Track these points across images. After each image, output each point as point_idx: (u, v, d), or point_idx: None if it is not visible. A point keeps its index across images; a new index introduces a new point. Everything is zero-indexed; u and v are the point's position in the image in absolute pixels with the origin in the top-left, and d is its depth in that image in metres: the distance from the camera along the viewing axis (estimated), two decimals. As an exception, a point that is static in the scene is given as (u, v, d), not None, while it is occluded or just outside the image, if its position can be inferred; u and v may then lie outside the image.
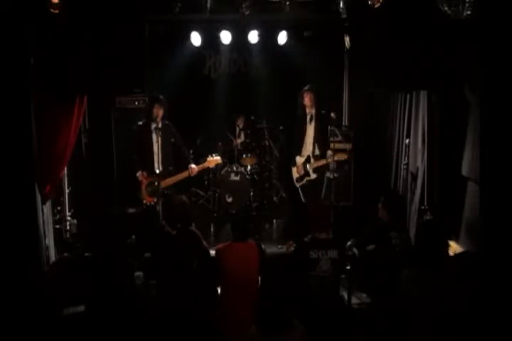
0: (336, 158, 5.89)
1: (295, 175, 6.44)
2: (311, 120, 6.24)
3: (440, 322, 3.09)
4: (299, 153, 6.38)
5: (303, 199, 6.42)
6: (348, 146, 6.92)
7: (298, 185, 6.42)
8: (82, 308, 4.29)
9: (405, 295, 3.23)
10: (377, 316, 3.65)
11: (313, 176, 6.24)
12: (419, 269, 3.25)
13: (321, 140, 6.19)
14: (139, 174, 5.89)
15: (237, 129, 8.23)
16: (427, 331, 3.13)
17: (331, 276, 4.09)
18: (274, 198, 7.99)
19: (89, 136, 6.71)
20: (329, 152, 6.12)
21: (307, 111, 6.25)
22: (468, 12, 4.00)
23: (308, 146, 6.30)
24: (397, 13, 4.86)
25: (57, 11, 4.62)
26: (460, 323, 3.04)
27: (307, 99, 6.21)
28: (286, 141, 7.69)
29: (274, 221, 7.32)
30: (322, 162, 6.17)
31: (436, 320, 3.10)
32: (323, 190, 6.55)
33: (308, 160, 6.26)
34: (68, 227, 5.96)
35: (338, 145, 6.26)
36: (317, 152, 6.23)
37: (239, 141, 8.12)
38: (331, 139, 6.66)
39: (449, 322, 3.08)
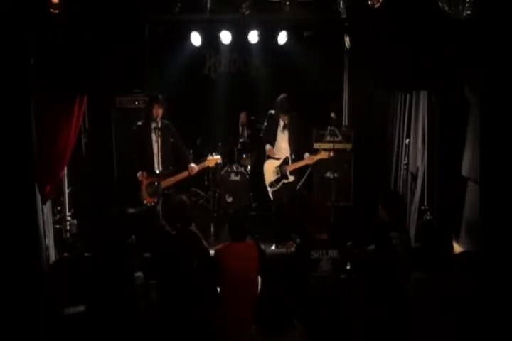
0: (322, 157, 6.04)
1: (269, 179, 6.25)
2: (284, 128, 6.15)
3: (441, 322, 3.09)
4: (269, 158, 6.27)
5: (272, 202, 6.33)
6: (348, 146, 6.95)
7: (271, 189, 6.25)
8: (82, 308, 4.28)
9: (409, 296, 3.24)
10: (379, 316, 3.65)
11: (291, 178, 6.15)
12: (422, 270, 3.25)
13: (296, 144, 6.17)
14: (139, 174, 5.88)
15: (241, 128, 8.23)
16: (429, 331, 3.13)
17: (332, 276, 4.08)
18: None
19: (89, 136, 6.71)
20: (306, 154, 6.17)
21: (280, 117, 6.15)
22: (468, 12, 4.00)
23: (282, 152, 6.20)
24: (397, 13, 4.86)
25: (57, 11, 4.62)
26: (461, 323, 3.04)
27: (282, 108, 6.07)
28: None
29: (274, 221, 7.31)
30: (301, 163, 6.15)
31: (437, 320, 3.10)
32: (317, 191, 6.50)
33: (285, 162, 6.16)
34: (68, 227, 5.96)
35: (338, 145, 6.28)
36: (293, 156, 6.18)
37: (241, 140, 8.12)
38: (331, 139, 6.68)
39: (450, 322, 3.08)
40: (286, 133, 6.16)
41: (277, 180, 6.21)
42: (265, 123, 6.35)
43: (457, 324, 3.06)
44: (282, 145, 6.21)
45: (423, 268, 3.28)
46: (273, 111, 6.24)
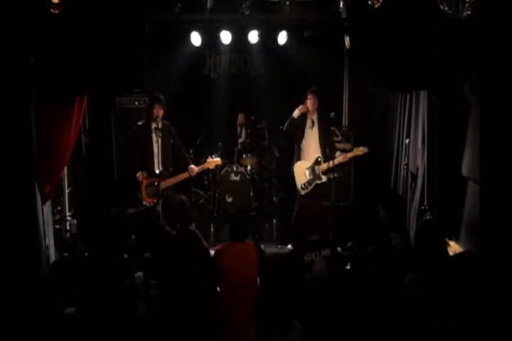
0: (356, 154, 5.81)
1: (301, 181, 6.03)
2: (312, 125, 5.99)
3: (440, 323, 3.09)
4: (298, 159, 6.10)
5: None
6: (348, 146, 6.94)
7: (303, 192, 6.00)
8: (81, 308, 4.28)
9: (407, 297, 3.24)
10: (378, 316, 3.65)
11: (324, 179, 5.95)
12: (419, 270, 3.25)
13: (326, 144, 6.04)
14: (138, 174, 5.88)
15: (239, 128, 8.24)
16: (428, 331, 3.13)
17: (328, 276, 4.08)
18: (274, 198, 7.99)
19: (89, 136, 6.71)
20: (338, 152, 5.99)
21: (308, 115, 6.00)
22: (468, 12, 4.00)
23: (311, 151, 6.02)
24: (397, 13, 4.86)
25: (57, 11, 4.62)
26: (461, 323, 3.04)
27: (310, 103, 5.96)
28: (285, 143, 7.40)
29: (274, 221, 7.32)
30: (333, 163, 5.90)
31: (436, 321, 3.10)
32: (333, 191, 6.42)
33: (317, 162, 5.96)
34: (68, 227, 5.96)
35: (338, 146, 6.26)
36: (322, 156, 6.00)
37: (240, 140, 8.13)
38: (331, 139, 6.66)
39: (449, 322, 3.08)
40: (316, 131, 5.98)
41: (310, 182, 5.99)
42: (287, 123, 6.09)
43: (457, 324, 3.05)
44: (311, 144, 6.02)
45: (418, 268, 3.28)
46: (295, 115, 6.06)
